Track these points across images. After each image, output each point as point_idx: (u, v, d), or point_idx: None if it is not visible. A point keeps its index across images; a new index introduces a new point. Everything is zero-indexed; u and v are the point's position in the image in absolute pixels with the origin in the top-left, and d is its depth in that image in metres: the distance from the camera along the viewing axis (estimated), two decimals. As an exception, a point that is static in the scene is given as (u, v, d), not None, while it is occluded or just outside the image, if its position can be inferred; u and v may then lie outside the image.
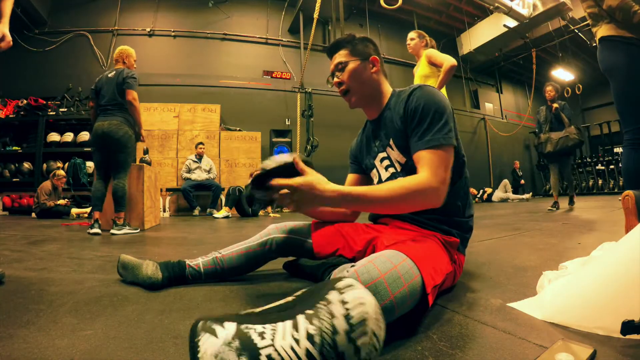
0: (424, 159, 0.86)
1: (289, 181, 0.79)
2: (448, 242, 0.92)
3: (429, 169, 0.83)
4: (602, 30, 1.67)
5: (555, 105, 4.08)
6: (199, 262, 1.09)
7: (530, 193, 8.79)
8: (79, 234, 2.71)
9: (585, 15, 1.78)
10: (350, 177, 1.18)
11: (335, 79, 1.02)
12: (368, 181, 1.14)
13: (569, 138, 3.91)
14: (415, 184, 0.81)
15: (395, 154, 0.98)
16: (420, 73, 2.78)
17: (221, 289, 1.02)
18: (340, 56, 1.01)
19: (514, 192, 8.37)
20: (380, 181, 1.04)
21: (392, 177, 1.00)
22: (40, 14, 6.10)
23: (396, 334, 0.67)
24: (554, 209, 4.06)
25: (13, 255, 1.70)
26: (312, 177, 0.81)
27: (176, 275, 1.05)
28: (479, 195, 8.14)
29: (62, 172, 4.92)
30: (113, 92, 2.77)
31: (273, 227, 1.12)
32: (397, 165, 0.99)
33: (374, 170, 1.07)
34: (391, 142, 0.98)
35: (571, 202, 4.35)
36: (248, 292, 1.00)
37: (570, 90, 8.52)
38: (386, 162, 1.02)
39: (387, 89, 1.05)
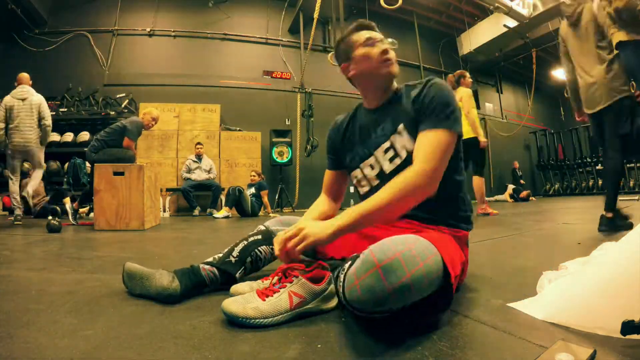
0: (424, 139, 0.87)
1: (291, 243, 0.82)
2: (457, 237, 0.91)
3: (423, 154, 0.85)
4: (619, 35, 1.64)
5: None
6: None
7: (532, 197, 8.48)
8: (79, 234, 2.72)
9: (606, 17, 1.73)
10: (329, 174, 1.14)
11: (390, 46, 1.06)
12: (344, 180, 1.13)
13: None
14: (407, 182, 0.82)
15: (404, 140, 0.94)
16: None
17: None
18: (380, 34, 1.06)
19: (515, 192, 8.29)
20: (381, 173, 0.99)
21: (398, 169, 0.94)
22: (40, 14, 6.09)
23: (396, 332, 0.67)
24: None
25: (13, 255, 1.71)
26: (305, 229, 0.82)
27: (193, 283, 0.94)
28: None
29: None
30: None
31: (275, 221, 1.09)
32: (403, 153, 0.94)
33: (370, 162, 1.01)
34: (401, 127, 0.95)
35: None
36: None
37: (570, 90, 8.44)
38: (390, 154, 0.97)
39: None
